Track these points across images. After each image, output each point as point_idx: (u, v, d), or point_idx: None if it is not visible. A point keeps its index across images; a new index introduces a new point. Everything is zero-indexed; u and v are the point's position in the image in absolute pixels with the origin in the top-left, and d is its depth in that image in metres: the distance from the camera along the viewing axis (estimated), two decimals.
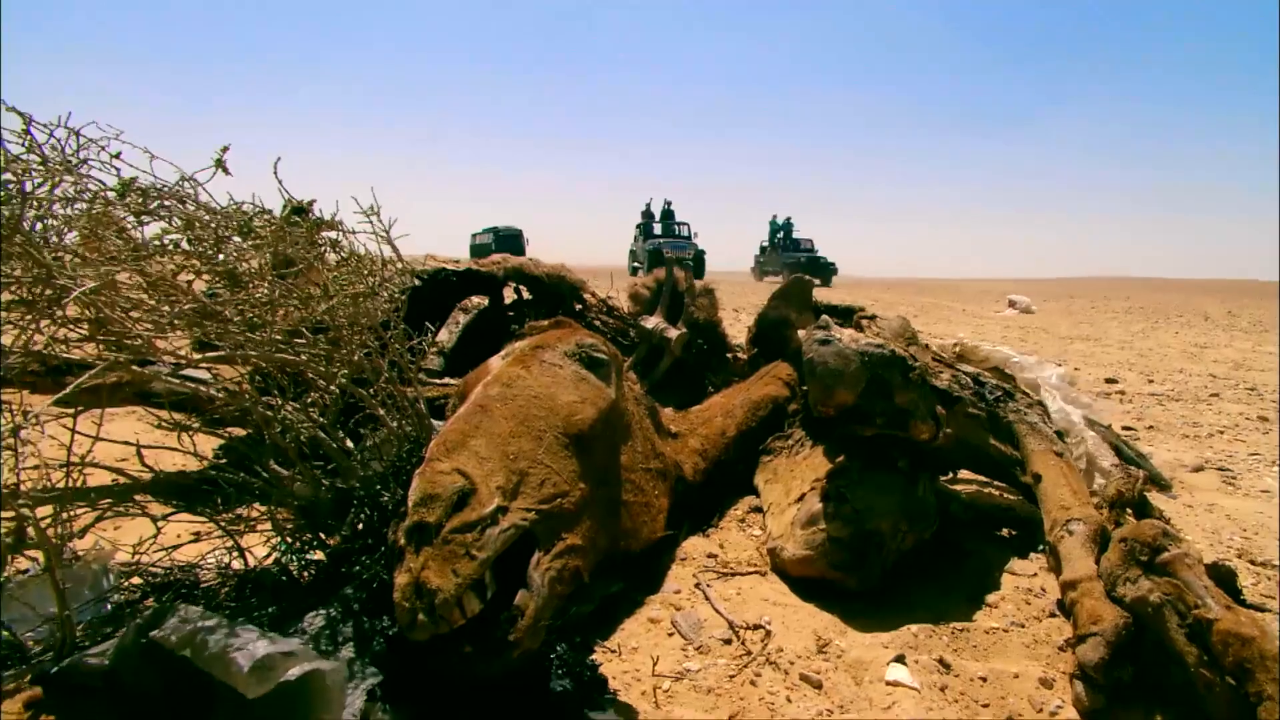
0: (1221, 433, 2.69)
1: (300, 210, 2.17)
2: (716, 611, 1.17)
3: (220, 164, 1.04)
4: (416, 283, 1.79)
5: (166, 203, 0.86)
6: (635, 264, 24.90)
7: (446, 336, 1.84)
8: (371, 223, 1.01)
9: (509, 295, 2.33)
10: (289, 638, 0.75)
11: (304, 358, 0.91)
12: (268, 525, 0.99)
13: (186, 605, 0.74)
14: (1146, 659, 1.03)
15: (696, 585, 1.26)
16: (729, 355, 2.09)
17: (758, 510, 1.58)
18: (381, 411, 0.99)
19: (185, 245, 0.86)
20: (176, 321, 0.83)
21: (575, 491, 1.08)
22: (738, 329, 3.05)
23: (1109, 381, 3.81)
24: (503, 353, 1.31)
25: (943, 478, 1.80)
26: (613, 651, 1.05)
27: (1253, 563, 1.52)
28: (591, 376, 1.25)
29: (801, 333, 1.33)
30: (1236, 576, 1.32)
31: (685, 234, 25.79)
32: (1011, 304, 8.83)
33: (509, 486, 0.97)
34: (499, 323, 2.19)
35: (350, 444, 1.06)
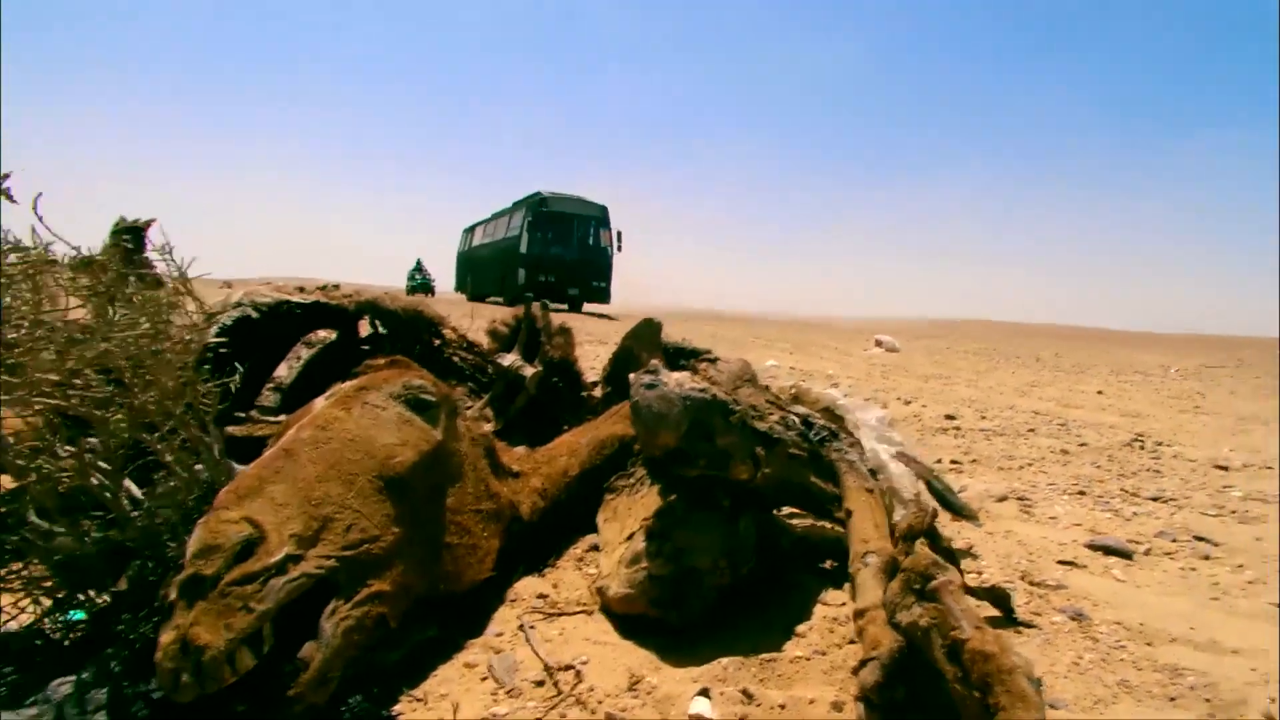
0: (1030, 465, 3.03)
1: (131, 231, 2.02)
2: (535, 653, 1.18)
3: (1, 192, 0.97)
4: (252, 314, 1.70)
5: None
6: None
7: (286, 372, 1.76)
8: (166, 261, 0.97)
9: (366, 329, 2.27)
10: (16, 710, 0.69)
11: (74, 401, 0.85)
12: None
13: None
14: (921, 679, 1.14)
15: (520, 627, 1.27)
16: (584, 394, 2.13)
17: (597, 549, 1.62)
18: (169, 458, 0.94)
19: None
20: None
21: (387, 536, 1.07)
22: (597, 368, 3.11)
23: (948, 418, 4.19)
24: (328, 393, 1.28)
25: (781, 512, 1.92)
26: (419, 700, 1.04)
27: (1031, 583, 1.71)
28: (417, 419, 1.24)
29: (631, 376, 1.39)
30: (1010, 597, 1.51)
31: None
32: (878, 343, 9.54)
33: (307, 534, 0.95)
34: (352, 358, 2.13)
35: (138, 492, 0.99)
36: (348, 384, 1.27)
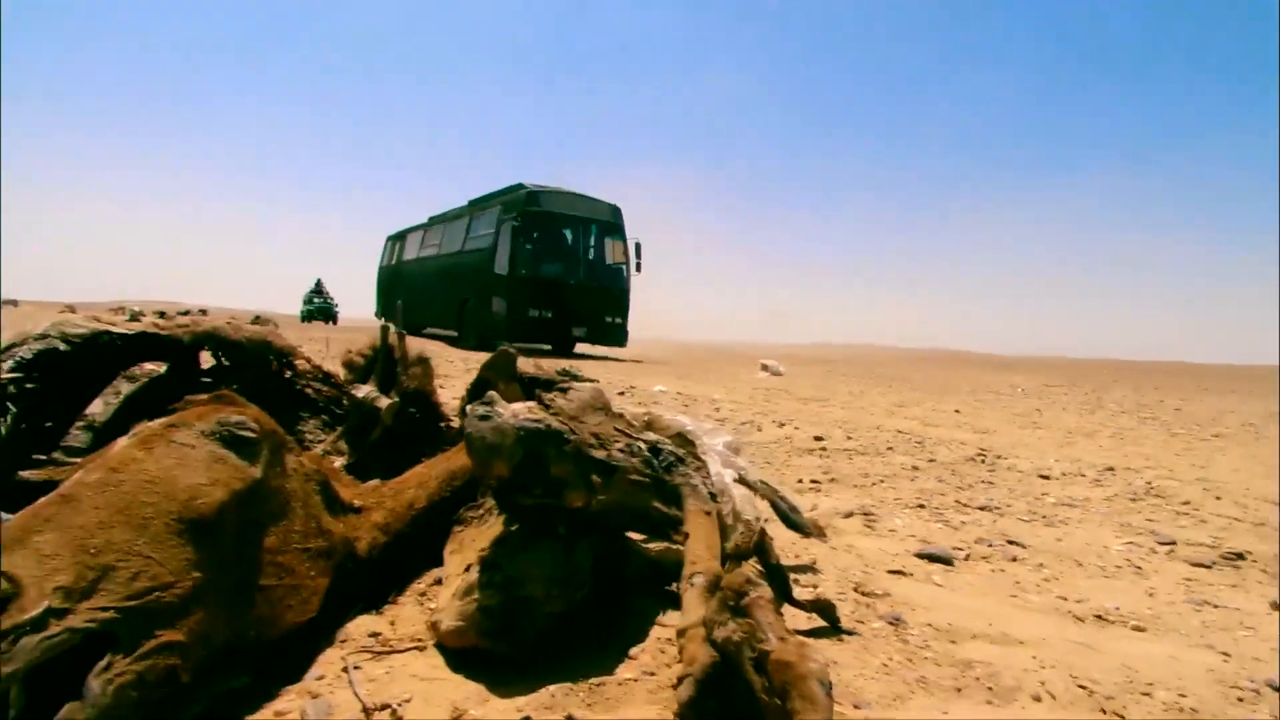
0: (882, 481, 3.26)
1: None
2: (355, 694, 1.15)
3: None
4: (60, 346, 1.58)
5: None
6: None
7: (101, 408, 1.64)
8: None
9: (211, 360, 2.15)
10: None
11: None
12: None
13: None
14: (738, 692, 1.21)
15: (345, 668, 1.23)
16: (443, 424, 2.11)
17: (441, 583, 1.60)
18: None
19: None
20: None
21: (185, 582, 1.02)
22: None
23: (817, 439, 4.43)
24: (131, 432, 1.21)
25: (639, 537, 1.96)
26: None
27: (862, 593, 1.85)
28: (232, 456, 1.20)
29: (467, 407, 1.40)
30: (834, 608, 1.62)
31: None
32: (765, 368, 9.97)
33: (80, 585, 0.89)
34: (188, 393, 2.00)
35: None
36: (155, 422, 1.21)
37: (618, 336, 11.53)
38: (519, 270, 10.49)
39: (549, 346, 11.40)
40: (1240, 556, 2.31)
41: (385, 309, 16.88)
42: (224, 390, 1.45)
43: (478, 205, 12.36)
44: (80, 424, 1.57)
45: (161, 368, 1.84)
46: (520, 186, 11.01)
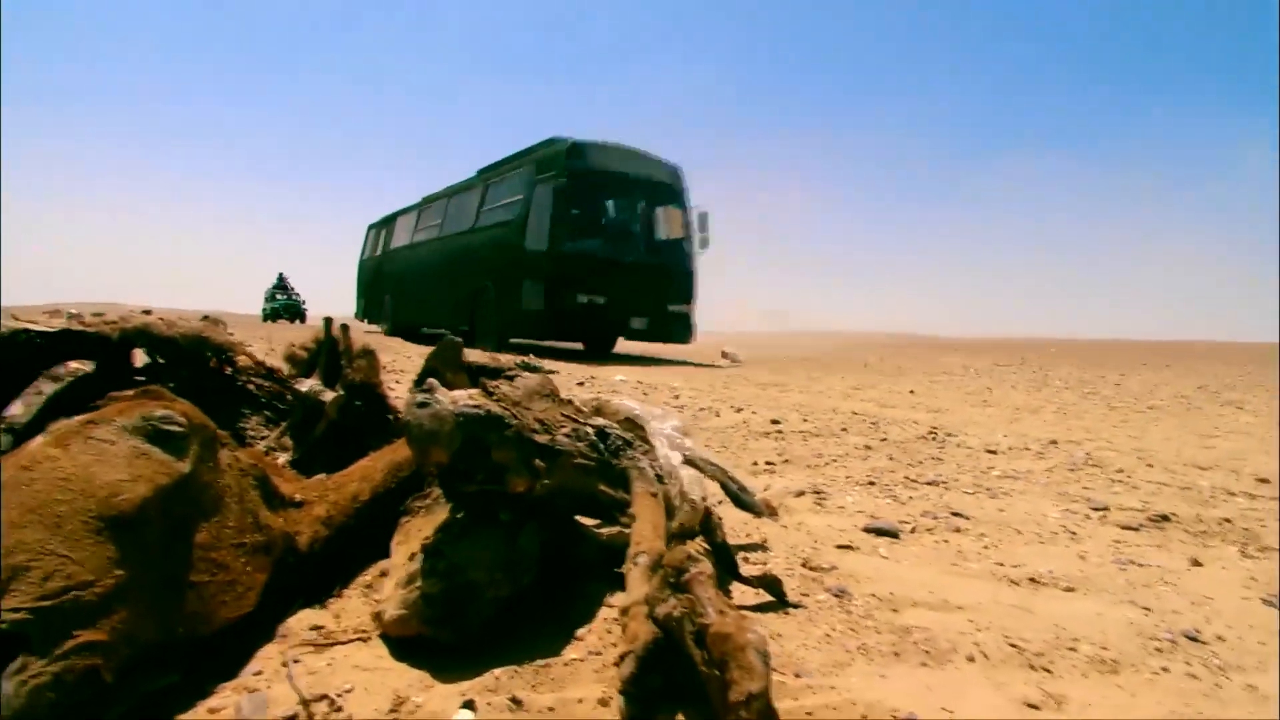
0: (834, 461, 3.33)
1: None
2: (293, 687, 1.14)
3: None
4: None
5: None
6: None
7: (22, 410, 1.57)
8: None
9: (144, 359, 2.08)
10: None
11: None
12: None
13: None
14: (680, 667, 1.23)
15: (284, 662, 1.22)
16: (390, 417, 2.08)
17: (386, 574, 1.58)
18: None
19: None
20: None
21: (107, 580, 0.99)
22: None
23: (773, 423, 4.50)
24: (47, 430, 1.17)
25: (592, 522, 1.97)
26: None
27: (810, 568, 1.89)
28: (157, 451, 1.17)
29: (406, 396, 1.39)
30: (780, 582, 1.65)
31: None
32: (724, 355, 10.05)
33: None
34: (118, 391, 1.94)
35: None
36: (72, 419, 1.17)
37: (683, 330, 9.32)
38: (562, 244, 8.05)
39: (581, 346, 9.70)
40: (1165, 518, 2.43)
41: (369, 308, 14.73)
42: (150, 386, 1.41)
43: (493, 172, 9.96)
44: (1, 426, 1.51)
45: (88, 366, 1.77)
46: (555, 140, 8.75)
